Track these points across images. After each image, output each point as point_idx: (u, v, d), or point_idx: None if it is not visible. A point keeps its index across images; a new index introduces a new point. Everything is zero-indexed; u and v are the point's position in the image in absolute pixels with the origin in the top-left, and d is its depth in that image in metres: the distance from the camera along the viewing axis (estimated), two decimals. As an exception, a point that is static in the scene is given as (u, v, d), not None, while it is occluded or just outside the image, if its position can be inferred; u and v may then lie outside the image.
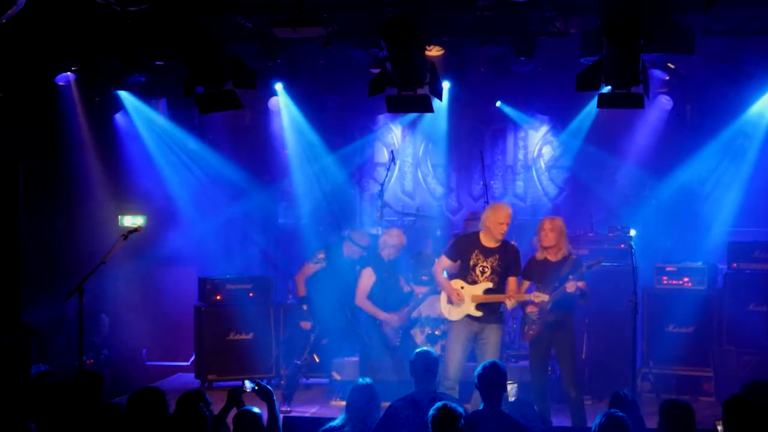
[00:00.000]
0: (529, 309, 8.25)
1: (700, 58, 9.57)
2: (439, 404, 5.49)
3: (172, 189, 12.19)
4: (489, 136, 12.91)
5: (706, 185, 11.82)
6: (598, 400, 9.45)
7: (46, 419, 6.16)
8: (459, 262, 8.46)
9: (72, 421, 6.10)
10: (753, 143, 11.53)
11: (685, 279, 10.17)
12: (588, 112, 11.76)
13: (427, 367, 6.53)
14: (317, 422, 6.70)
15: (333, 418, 6.47)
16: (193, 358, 11.40)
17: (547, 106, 12.55)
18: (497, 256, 8.28)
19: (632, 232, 10.08)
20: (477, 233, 8.42)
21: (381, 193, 10.91)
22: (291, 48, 10.56)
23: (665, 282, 10.23)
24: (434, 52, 10.24)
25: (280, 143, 12.70)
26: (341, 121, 12.84)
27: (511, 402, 7.80)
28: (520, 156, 12.91)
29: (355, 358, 9.65)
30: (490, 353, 8.11)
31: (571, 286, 7.98)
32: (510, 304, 8.35)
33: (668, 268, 10.26)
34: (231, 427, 6.01)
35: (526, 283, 8.40)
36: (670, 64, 10.69)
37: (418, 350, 6.73)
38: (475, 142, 12.71)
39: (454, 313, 8.36)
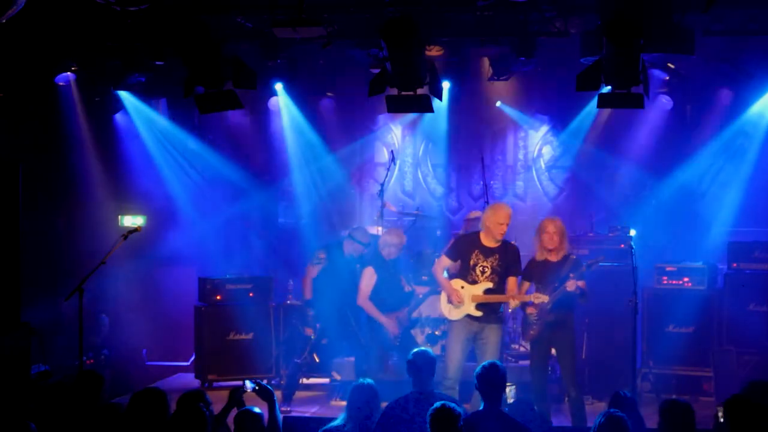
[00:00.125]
0: (529, 310, 8.26)
1: (700, 58, 9.57)
2: (438, 404, 5.48)
3: (172, 189, 12.20)
4: (489, 136, 12.92)
5: (705, 185, 11.82)
6: (598, 400, 9.45)
7: (46, 419, 6.15)
8: (459, 261, 8.47)
9: (72, 421, 6.10)
10: (753, 143, 11.53)
11: (685, 279, 10.17)
12: (588, 112, 11.77)
13: (425, 366, 6.52)
14: (317, 422, 6.70)
15: (333, 418, 6.47)
16: (193, 358, 11.39)
17: (547, 106, 12.56)
18: (497, 256, 8.29)
19: (632, 232, 10.11)
20: (477, 233, 8.42)
21: (381, 193, 10.91)
22: (291, 48, 10.56)
23: (665, 282, 10.23)
24: (434, 52, 10.24)
25: (280, 143, 12.70)
26: (341, 121, 12.83)
27: (511, 402, 7.79)
28: (520, 156, 12.91)
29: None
30: (490, 353, 8.12)
31: (571, 285, 7.98)
32: (513, 304, 8.36)
33: (668, 268, 10.25)
34: (231, 428, 6.00)
35: (527, 285, 8.40)
36: (670, 64, 10.70)
37: (415, 350, 6.71)
38: (475, 142, 12.71)
39: (454, 313, 8.36)
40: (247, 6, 9.75)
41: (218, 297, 10.91)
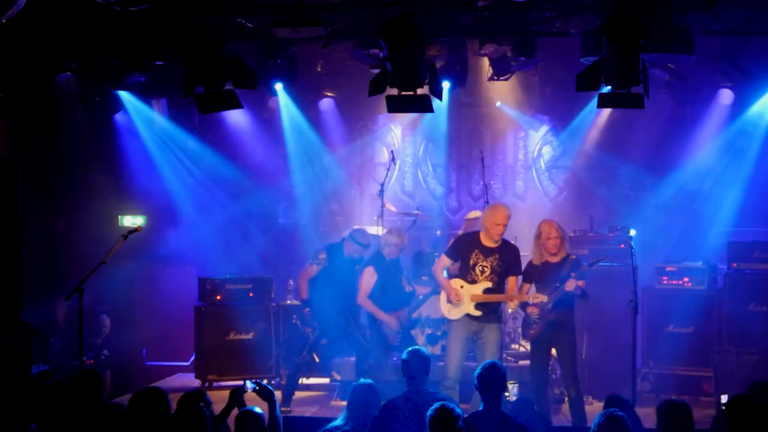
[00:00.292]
0: (530, 309, 8.27)
1: (700, 58, 9.57)
2: (437, 405, 5.45)
3: (172, 189, 12.19)
4: (489, 136, 12.92)
5: (706, 185, 11.82)
6: (598, 400, 9.44)
7: (47, 419, 6.15)
8: (459, 261, 8.48)
9: (72, 421, 6.10)
10: (753, 143, 11.53)
11: (685, 279, 10.16)
12: (588, 112, 11.77)
13: (419, 365, 6.47)
14: (317, 422, 6.68)
15: (333, 418, 6.45)
16: (193, 358, 11.39)
17: (547, 106, 12.56)
18: (497, 256, 8.29)
19: (632, 232, 10.11)
20: (477, 233, 8.43)
21: (381, 193, 10.91)
22: (291, 48, 10.56)
23: (665, 282, 10.22)
24: (434, 52, 10.24)
25: (280, 143, 12.70)
26: (341, 121, 12.84)
27: (511, 402, 7.79)
28: (520, 156, 12.92)
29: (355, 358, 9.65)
30: (489, 353, 8.13)
31: (571, 284, 7.99)
32: (512, 305, 8.36)
33: (668, 268, 10.25)
34: (232, 428, 6.00)
35: (527, 287, 8.40)
36: (670, 64, 10.69)
37: (409, 349, 6.64)
38: (475, 142, 12.72)
39: (453, 312, 8.37)
40: (247, 6, 9.75)
41: (218, 297, 10.91)
